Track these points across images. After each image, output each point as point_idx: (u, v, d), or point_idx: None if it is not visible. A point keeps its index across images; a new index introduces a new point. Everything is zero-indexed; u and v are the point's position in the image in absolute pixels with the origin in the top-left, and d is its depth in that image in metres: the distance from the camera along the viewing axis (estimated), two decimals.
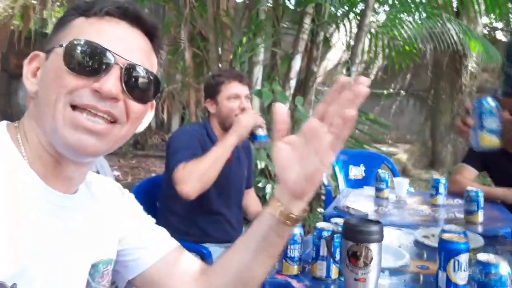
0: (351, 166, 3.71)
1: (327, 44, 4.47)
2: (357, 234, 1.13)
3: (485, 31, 9.03)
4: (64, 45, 0.73)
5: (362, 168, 3.73)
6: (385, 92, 9.94)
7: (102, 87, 0.72)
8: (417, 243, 1.71)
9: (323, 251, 1.30)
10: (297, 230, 1.34)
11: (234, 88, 2.10)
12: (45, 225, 0.74)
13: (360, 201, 2.41)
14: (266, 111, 3.99)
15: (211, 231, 2.12)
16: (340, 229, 1.35)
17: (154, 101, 0.84)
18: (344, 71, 4.30)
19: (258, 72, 3.93)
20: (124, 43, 0.76)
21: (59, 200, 0.77)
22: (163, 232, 1.01)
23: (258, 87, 3.88)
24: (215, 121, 2.15)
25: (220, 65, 3.99)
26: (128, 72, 0.75)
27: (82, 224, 0.82)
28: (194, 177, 1.80)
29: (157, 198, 2.25)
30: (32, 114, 0.77)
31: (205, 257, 2.03)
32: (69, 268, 0.79)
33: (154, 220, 1.02)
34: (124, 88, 0.74)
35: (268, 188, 3.64)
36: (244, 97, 2.11)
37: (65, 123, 0.72)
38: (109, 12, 0.76)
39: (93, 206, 0.87)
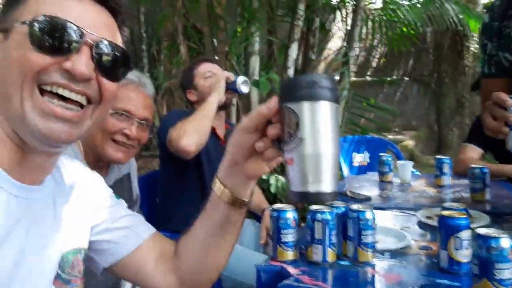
0: (354, 154, 3.65)
1: (323, 30, 4.40)
2: (282, 92, 0.69)
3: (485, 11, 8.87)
4: (27, 22, 0.67)
5: (366, 154, 3.67)
6: (388, 79, 9.81)
7: (75, 67, 0.68)
8: (420, 224, 1.64)
9: (318, 234, 1.24)
10: (291, 214, 1.28)
11: (206, 67, 2.17)
12: (11, 220, 0.70)
13: (363, 187, 2.34)
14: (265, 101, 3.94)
15: None
16: (337, 213, 1.30)
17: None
18: (341, 57, 4.22)
19: (255, 62, 3.87)
20: (90, 19, 0.72)
21: (25, 193, 0.73)
22: (139, 217, 0.98)
23: (256, 77, 3.82)
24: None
25: (216, 57, 3.94)
26: (99, 49, 0.71)
27: (51, 215, 0.78)
28: (188, 130, 1.83)
29: (156, 194, 2.22)
30: None
31: None
32: (38, 261, 0.75)
33: (126, 204, 0.99)
34: (97, 66, 0.71)
35: (272, 180, 3.58)
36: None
37: (34, 111, 0.67)
38: None
39: (61, 194, 0.83)
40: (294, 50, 4.02)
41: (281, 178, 3.61)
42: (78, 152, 1.42)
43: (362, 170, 3.41)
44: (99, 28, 0.72)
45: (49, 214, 0.78)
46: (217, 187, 0.83)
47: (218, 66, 2.23)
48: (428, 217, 1.68)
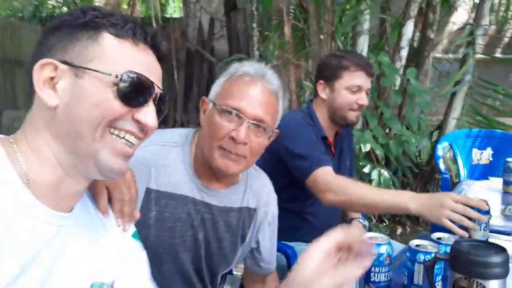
0: (475, 150, 3.16)
1: (446, 5, 3.85)
2: (468, 265, 0.85)
3: None
4: (115, 75, 0.72)
5: (489, 151, 3.16)
6: None
7: (146, 120, 0.76)
8: None
9: (418, 279, 0.99)
10: (385, 249, 1.04)
11: (359, 79, 1.80)
12: (38, 246, 0.72)
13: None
14: (375, 86, 3.58)
15: (302, 233, 1.86)
16: (443, 252, 1.04)
17: None
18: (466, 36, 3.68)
19: (363, 43, 3.54)
20: (155, 72, 0.79)
21: (56, 220, 0.75)
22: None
23: None
24: (323, 109, 1.86)
25: (321, 37, 3.67)
26: (160, 101, 0.79)
27: (79, 244, 0.79)
28: (346, 195, 1.55)
29: None
30: (49, 129, 0.74)
31: (289, 257, 1.81)
32: None
33: (143, 248, 0.95)
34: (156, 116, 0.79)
35: (375, 174, 3.28)
36: (365, 91, 1.82)
37: (106, 150, 0.74)
38: (141, 39, 0.77)
39: (89, 224, 0.83)
40: (409, 28, 3.60)
41: (384, 172, 3.29)
42: (186, 156, 1.26)
43: (484, 170, 2.94)
44: (159, 79, 0.79)
45: (78, 242, 0.79)
46: None
47: (370, 85, 1.85)
48: None
